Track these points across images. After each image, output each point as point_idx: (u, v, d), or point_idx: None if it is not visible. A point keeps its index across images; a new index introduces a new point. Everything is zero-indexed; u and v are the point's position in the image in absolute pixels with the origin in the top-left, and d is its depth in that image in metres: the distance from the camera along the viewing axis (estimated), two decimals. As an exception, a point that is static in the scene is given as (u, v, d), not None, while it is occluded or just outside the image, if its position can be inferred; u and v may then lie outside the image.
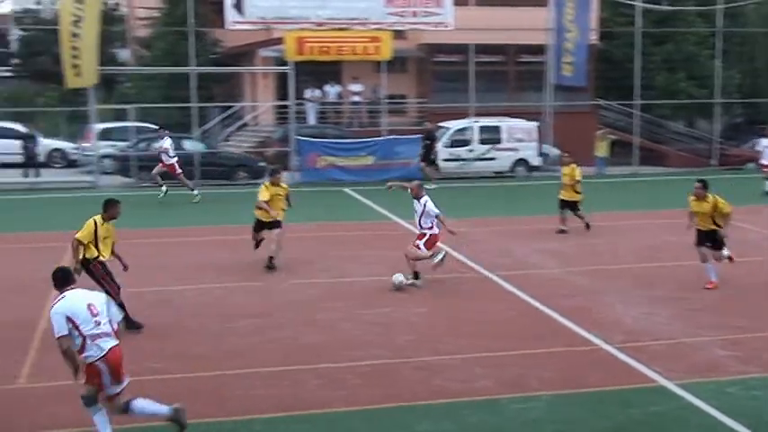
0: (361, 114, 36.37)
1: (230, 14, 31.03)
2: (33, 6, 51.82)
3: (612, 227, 21.25)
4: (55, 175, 32.85)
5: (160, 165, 25.85)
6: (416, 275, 15.03)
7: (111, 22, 48.23)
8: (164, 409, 8.53)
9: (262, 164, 29.96)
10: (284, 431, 9.11)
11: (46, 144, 35.24)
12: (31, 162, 32.28)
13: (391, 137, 31.85)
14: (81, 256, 12.09)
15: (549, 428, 9.14)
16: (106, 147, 32.11)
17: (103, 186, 28.95)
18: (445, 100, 34.27)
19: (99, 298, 8.61)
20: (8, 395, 9.97)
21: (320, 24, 31.54)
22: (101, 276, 12.19)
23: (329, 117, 36.12)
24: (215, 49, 40.45)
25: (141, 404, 8.50)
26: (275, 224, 16.32)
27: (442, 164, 30.91)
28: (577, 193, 20.54)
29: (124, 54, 52.10)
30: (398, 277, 14.80)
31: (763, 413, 9.50)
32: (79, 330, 8.17)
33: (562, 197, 20.66)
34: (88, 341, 8.19)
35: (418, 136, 30.90)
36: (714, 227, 14.67)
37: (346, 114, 36.70)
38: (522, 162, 32.64)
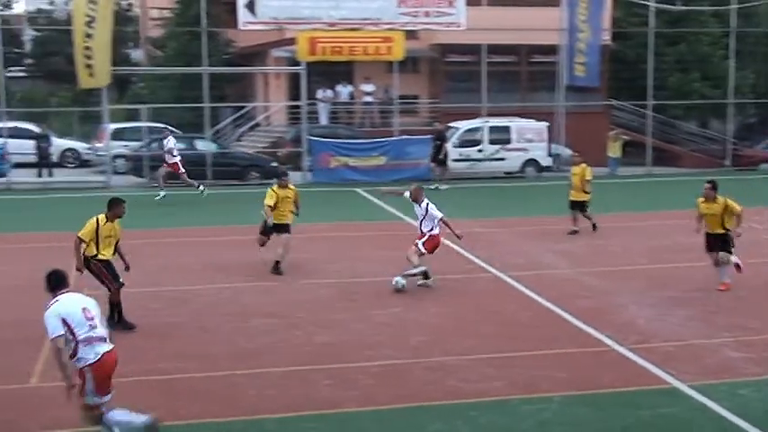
0: (373, 115, 36.37)
1: (243, 15, 31.05)
2: (47, 7, 52.05)
3: (625, 227, 21.19)
4: (68, 174, 32.97)
5: (164, 165, 25.91)
6: (426, 275, 15.00)
7: (124, 23, 48.49)
8: (140, 418, 8.29)
9: (274, 164, 30.00)
10: (295, 431, 9.12)
11: (59, 144, 35.38)
12: (44, 162, 32.40)
13: (403, 137, 31.86)
14: (82, 254, 12.17)
15: (561, 430, 9.11)
16: (119, 147, 32.24)
17: (116, 186, 29.02)
18: (457, 100, 34.22)
19: (92, 302, 8.49)
20: (21, 394, 10.01)
21: (332, 25, 31.55)
22: (101, 275, 12.27)
23: (341, 117, 36.14)
24: (227, 49, 40.57)
25: (116, 416, 8.27)
26: (283, 228, 16.13)
27: (451, 164, 30.84)
28: (586, 193, 20.47)
29: (137, 54, 52.32)
30: (400, 280, 14.66)
31: (777, 415, 9.46)
32: (74, 334, 8.05)
33: (572, 198, 20.61)
34: (81, 345, 8.06)
35: (429, 136, 30.89)
36: (723, 230, 14.55)
37: (358, 114, 36.71)
38: (531, 162, 32.52)
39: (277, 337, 12.22)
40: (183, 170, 25.84)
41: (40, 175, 31.88)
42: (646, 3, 34.89)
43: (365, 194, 27.30)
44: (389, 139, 31.81)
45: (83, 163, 35.74)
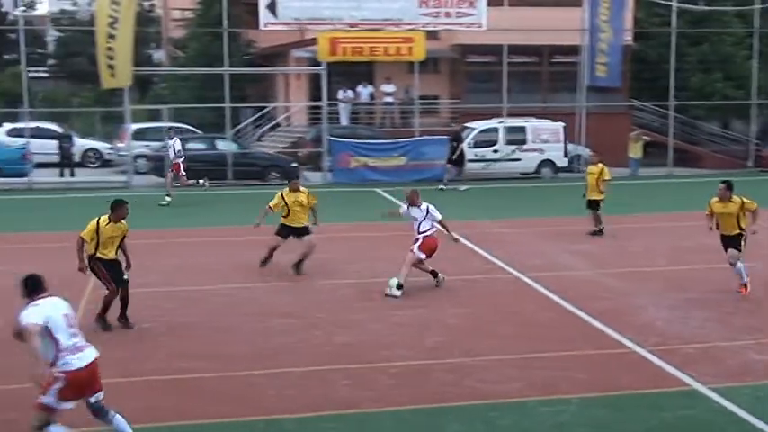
0: (393, 115, 36.39)
1: (264, 15, 31.13)
2: (70, 8, 52.43)
3: (645, 228, 21.10)
4: (89, 174, 33.15)
5: (172, 169, 25.82)
6: (435, 274, 14.99)
7: (147, 24, 48.80)
8: None
9: (294, 164, 30.06)
10: (314, 431, 9.15)
11: (81, 144, 35.60)
12: (66, 162, 32.63)
13: (424, 137, 31.84)
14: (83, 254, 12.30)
15: (580, 431, 9.09)
16: (140, 147, 32.41)
17: (137, 186, 29.18)
18: (478, 101, 34.15)
19: (68, 306, 8.18)
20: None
21: (353, 25, 31.58)
22: (100, 274, 12.39)
23: (362, 118, 36.17)
24: (248, 49, 40.73)
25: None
26: (303, 231, 15.99)
27: (467, 164, 30.61)
28: (601, 192, 20.31)
29: (159, 55, 52.60)
30: (393, 281, 14.53)
31: (798, 418, 9.39)
32: (54, 340, 7.79)
33: (589, 197, 20.47)
34: (62, 353, 7.81)
35: (447, 137, 30.82)
36: (739, 230, 14.40)
37: (379, 115, 36.73)
38: (547, 163, 32.33)
39: (296, 337, 12.24)
40: (184, 172, 25.58)
41: (62, 175, 32.10)
42: (668, 3, 34.71)
43: (385, 195, 27.29)
44: (410, 140, 31.78)
45: (104, 163, 35.96)
